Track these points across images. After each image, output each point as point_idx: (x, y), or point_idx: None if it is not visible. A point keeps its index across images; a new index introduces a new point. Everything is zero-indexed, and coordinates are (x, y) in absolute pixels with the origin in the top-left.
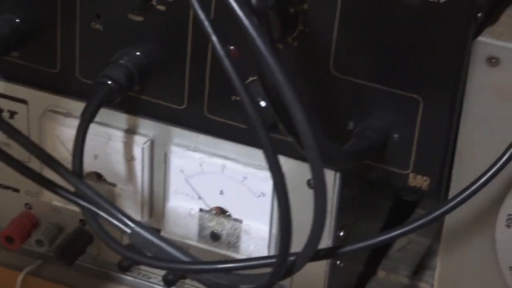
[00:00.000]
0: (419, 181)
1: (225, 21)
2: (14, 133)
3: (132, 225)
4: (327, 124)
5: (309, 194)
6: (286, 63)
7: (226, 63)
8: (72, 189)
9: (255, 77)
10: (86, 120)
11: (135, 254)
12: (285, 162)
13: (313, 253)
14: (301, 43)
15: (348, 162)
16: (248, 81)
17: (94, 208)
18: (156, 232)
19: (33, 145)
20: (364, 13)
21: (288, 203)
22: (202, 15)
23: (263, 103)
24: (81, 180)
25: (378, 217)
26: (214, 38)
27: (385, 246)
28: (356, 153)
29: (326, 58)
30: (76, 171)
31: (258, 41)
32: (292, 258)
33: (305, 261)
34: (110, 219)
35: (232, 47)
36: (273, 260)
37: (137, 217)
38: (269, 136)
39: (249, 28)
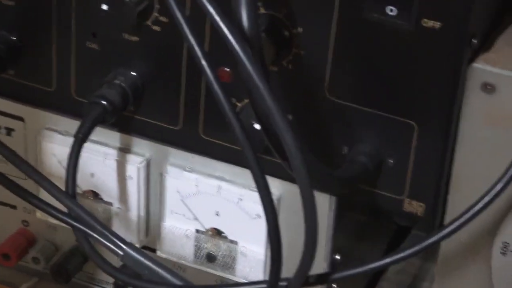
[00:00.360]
0: (414, 207)
1: (221, 40)
2: (5, 152)
3: (124, 247)
4: (321, 148)
5: None
6: (278, 87)
7: (216, 89)
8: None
9: None
10: (80, 140)
11: (128, 277)
12: (281, 184)
13: (304, 279)
14: (296, 66)
15: (340, 187)
16: (244, 103)
17: (86, 229)
18: (148, 254)
19: (26, 164)
20: (359, 37)
21: (278, 228)
22: (192, 40)
23: (257, 126)
24: (73, 201)
25: (381, 238)
26: (204, 62)
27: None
28: (349, 178)
29: (321, 81)
30: (69, 192)
31: (249, 68)
32: (284, 283)
33: (296, 286)
34: (102, 240)
35: (226, 69)
36: (265, 285)
37: (133, 237)
38: (258, 161)
39: (240, 54)
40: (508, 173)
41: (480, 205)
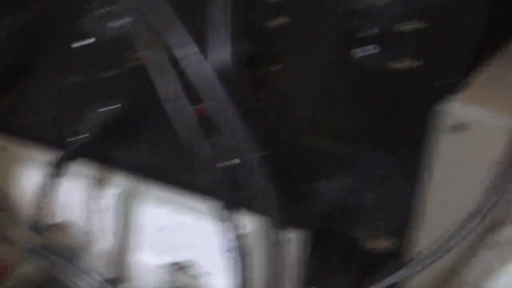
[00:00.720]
0: (385, 244)
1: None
2: None
3: (97, 280)
4: (295, 183)
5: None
6: (257, 122)
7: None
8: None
9: None
10: (56, 173)
11: None
12: (253, 219)
13: None
14: (275, 103)
15: (312, 224)
16: None
17: (58, 263)
18: None
19: None
20: (339, 75)
21: (246, 263)
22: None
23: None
24: (45, 234)
25: (358, 269)
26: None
27: None
28: (322, 215)
29: (299, 118)
30: (40, 225)
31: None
32: None
33: None
34: (75, 274)
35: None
36: None
37: (107, 269)
38: (231, 196)
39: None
40: (474, 216)
41: (447, 245)
